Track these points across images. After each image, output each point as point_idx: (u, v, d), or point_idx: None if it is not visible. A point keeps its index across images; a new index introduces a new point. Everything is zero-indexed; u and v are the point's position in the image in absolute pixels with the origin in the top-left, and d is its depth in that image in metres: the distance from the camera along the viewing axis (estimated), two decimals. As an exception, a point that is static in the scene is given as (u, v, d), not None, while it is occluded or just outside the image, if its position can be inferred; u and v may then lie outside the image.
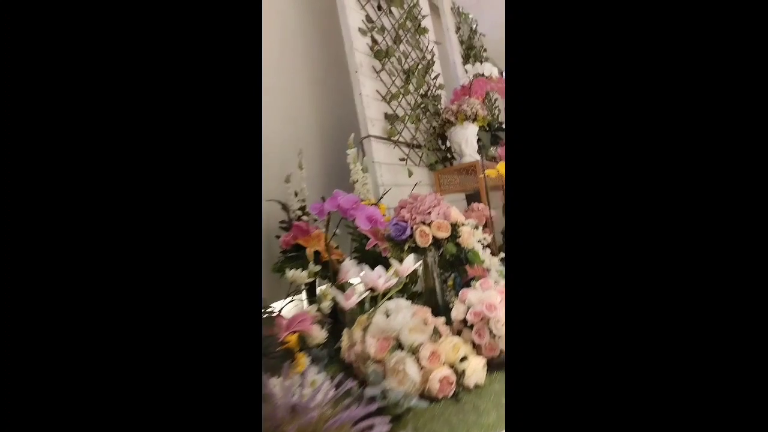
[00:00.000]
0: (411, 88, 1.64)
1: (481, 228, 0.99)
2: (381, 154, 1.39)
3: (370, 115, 1.38)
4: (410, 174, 1.46)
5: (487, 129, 2.11)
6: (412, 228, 0.84)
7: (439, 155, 1.83)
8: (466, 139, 1.68)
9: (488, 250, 1.00)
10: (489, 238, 1.00)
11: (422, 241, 0.83)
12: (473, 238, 0.91)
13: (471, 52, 2.48)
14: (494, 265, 0.99)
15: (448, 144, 1.78)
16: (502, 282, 0.91)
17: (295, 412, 0.42)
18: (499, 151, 1.98)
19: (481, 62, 1.97)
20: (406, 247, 0.85)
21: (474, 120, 1.66)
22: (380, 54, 1.45)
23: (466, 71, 1.91)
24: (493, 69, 1.86)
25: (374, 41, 1.46)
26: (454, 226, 0.87)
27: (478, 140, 1.88)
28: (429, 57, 1.86)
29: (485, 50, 2.86)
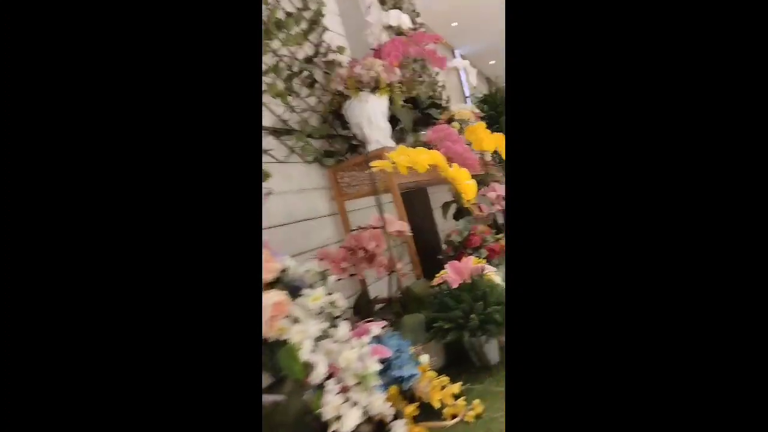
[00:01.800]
0: (276, 45, 1.09)
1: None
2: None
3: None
4: (266, 176, 0.91)
5: (413, 106, 1.59)
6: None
7: (340, 144, 1.29)
8: (368, 117, 1.14)
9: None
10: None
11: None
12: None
13: None
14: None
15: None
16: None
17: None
18: (431, 134, 1.45)
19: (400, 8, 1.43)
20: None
21: (375, 89, 1.13)
22: None
23: (369, 23, 1.38)
24: (402, 17, 1.32)
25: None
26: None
27: (395, 120, 1.37)
28: (316, 7, 1.32)
29: None
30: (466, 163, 1.44)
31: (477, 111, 2.27)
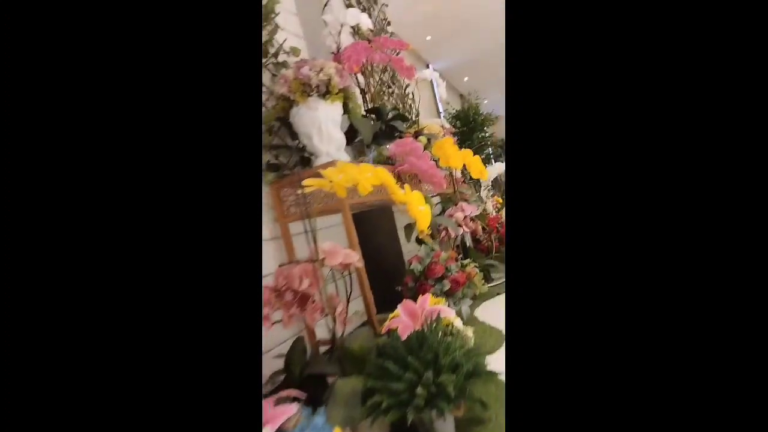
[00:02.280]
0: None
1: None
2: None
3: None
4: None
5: (376, 117, 1.46)
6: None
7: (287, 156, 1.13)
8: (318, 126, 0.99)
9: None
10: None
11: None
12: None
13: None
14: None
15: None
16: None
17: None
18: (394, 148, 1.31)
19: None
20: None
21: (326, 94, 0.98)
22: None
23: (326, 23, 1.23)
24: (361, 17, 1.19)
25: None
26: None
27: (353, 131, 1.22)
28: (267, 2, 1.16)
29: None
30: (432, 181, 1.31)
31: (447, 126, 2.17)
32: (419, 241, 1.26)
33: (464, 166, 1.52)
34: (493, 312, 1.16)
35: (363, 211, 1.53)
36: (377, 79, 2.01)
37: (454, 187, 1.67)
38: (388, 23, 2.32)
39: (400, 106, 2.21)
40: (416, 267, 1.04)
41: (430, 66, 4.49)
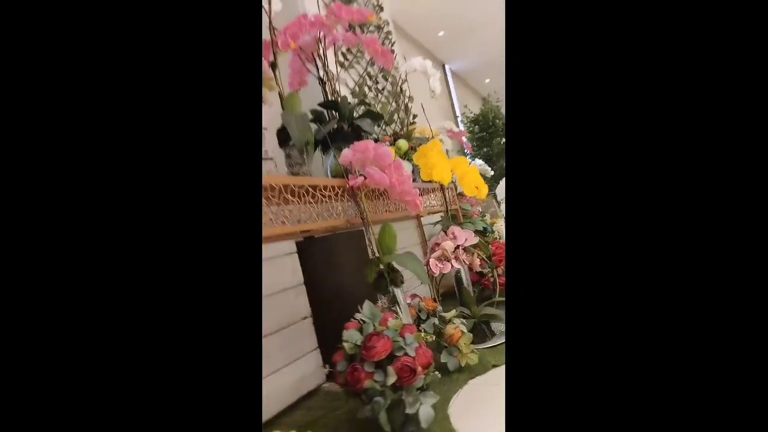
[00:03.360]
0: None
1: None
2: None
3: None
4: None
5: (335, 113, 1.11)
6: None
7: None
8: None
9: None
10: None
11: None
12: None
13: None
14: None
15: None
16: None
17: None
18: (348, 154, 0.95)
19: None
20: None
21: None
22: None
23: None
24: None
25: None
26: None
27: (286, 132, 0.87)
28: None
29: None
30: (403, 199, 0.92)
31: (457, 129, 1.78)
32: (379, 286, 0.88)
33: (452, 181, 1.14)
34: (487, 401, 0.73)
35: (325, 236, 1.18)
36: (361, 71, 1.66)
37: (447, 203, 1.28)
38: (381, 8, 1.98)
39: (392, 105, 1.85)
40: (351, 338, 0.66)
41: (447, 66, 4.11)
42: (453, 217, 1.77)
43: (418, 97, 2.36)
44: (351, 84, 1.56)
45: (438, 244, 1.14)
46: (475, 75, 4.58)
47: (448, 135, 1.77)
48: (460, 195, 2.10)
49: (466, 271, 1.22)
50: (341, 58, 1.52)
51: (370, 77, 1.72)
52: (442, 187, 1.26)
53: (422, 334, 0.69)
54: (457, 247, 1.13)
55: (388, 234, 0.86)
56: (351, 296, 0.92)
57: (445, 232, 1.17)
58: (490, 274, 1.36)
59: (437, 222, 1.50)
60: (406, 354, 0.63)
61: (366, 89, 1.66)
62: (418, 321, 0.91)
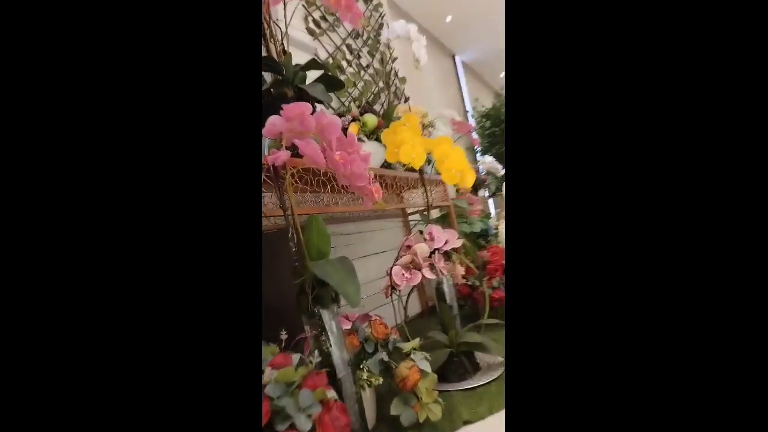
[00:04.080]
0: None
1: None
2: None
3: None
4: None
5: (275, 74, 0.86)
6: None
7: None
8: None
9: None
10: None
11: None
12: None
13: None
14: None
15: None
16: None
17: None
18: (275, 123, 0.70)
19: None
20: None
21: None
22: None
23: None
24: None
25: None
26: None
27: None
28: None
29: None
30: (354, 186, 0.68)
31: (459, 119, 1.52)
32: (302, 305, 0.62)
33: (429, 163, 0.88)
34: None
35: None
36: (338, 41, 1.41)
37: (426, 195, 1.02)
38: (370, -23, 1.73)
39: (377, 86, 1.59)
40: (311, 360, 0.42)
41: (456, 57, 3.83)
42: (444, 217, 1.50)
43: (413, 80, 2.08)
44: (324, 55, 1.32)
45: (409, 247, 0.88)
46: (488, 67, 4.27)
47: (452, 127, 1.51)
48: (459, 191, 1.83)
49: (449, 282, 0.95)
50: (311, 24, 1.29)
51: (351, 51, 1.48)
52: (420, 173, 1.00)
53: (365, 376, 0.43)
54: (434, 251, 0.87)
55: (317, 231, 0.61)
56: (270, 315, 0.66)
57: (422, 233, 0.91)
58: (483, 284, 1.09)
59: (416, 223, 1.23)
60: (292, 427, 0.38)
61: (344, 63, 1.41)
62: (362, 356, 0.65)
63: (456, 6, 2.96)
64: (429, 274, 0.82)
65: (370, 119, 0.95)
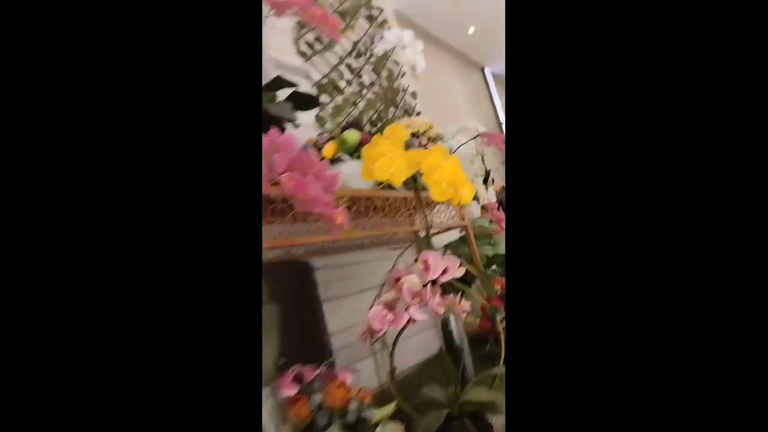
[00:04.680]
0: None
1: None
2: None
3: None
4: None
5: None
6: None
7: None
8: None
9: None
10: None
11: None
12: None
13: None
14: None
15: None
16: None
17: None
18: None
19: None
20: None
21: None
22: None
23: None
24: None
25: None
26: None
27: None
28: None
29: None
30: (313, 211, 0.56)
31: (480, 128, 1.38)
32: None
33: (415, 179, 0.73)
34: None
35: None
36: (337, 61, 1.34)
37: (423, 213, 0.87)
38: (371, -5, 1.67)
39: (383, 104, 1.49)
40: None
41: (486, 69, 3.67)
42: (462, 240, 1.32)
43: (436, 97, 1.95)
44: (317, 77, 1.25)
45: (398, 280, 0.73)
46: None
47: (482, 140, 1.36)
48: (484, 208, 1.64)
49: (456, 319, 0.78)
50: (303, 47, 1.23)
51: (352, 70, 1.40)
52: (416, 190, 0.86)
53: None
54: (428, 283, 0.71)
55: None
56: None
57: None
58: (493, 329, 0.90)
59: (402, 250, 1.06)
60: None
61: (343, 83, 1.33)
62: (311, 430, 0.51)
63: (477, 17, 2.84)
64: (419, 315, 0.66)
65: (351, 136, 0.84)
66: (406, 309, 0.66)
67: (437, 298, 0.69)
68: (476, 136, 1.28)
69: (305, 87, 1.19)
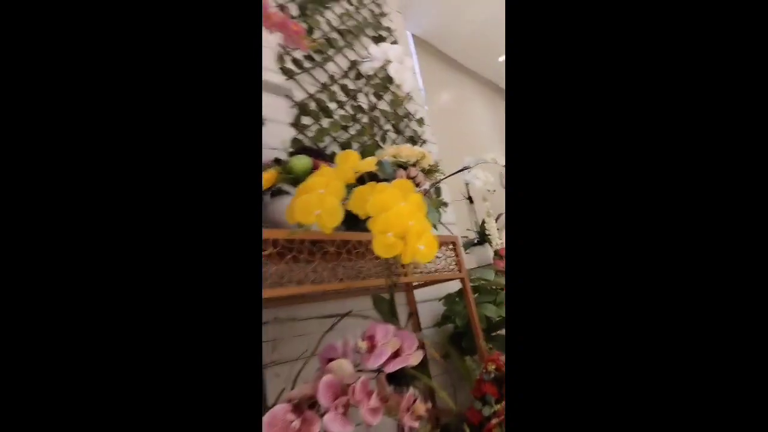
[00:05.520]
0: None
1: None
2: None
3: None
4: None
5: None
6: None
7: None
8: None
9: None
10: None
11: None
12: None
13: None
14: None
15: None
16: None
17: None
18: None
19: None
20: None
21: None
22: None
23: None
24: None
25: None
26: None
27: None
28: None
29: None
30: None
31: (500, 161, 1.17)
32: None
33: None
34: None
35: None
36: (328, 80, 1.20)
37: (389, 269, 0.67)
38: (382, 14, 1.54)
39: (380, 130, 1.32)
40: None
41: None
42: (460, 294, 1.09)
43: (456, 126, 1.76)
44: (302, 96, 1.10)
45: (330, 362, 0.52)
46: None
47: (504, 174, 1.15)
48: (497, 254, 1.39)
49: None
50: (288, 63, 1.10)
51: (347, 92, 1.25)
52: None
53: None
54: (364, 373, 0.50)
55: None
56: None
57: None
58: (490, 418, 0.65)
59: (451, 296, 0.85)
60: None
61: (334, 104, 1.18)
62: None
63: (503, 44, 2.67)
64: (337, 426, 0.45)
65: (298, 162, 0.66)
66: (321, 414, 0.45)
67: (373, 399, 0.48)
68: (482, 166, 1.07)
69: (283, 107, 1.05)
